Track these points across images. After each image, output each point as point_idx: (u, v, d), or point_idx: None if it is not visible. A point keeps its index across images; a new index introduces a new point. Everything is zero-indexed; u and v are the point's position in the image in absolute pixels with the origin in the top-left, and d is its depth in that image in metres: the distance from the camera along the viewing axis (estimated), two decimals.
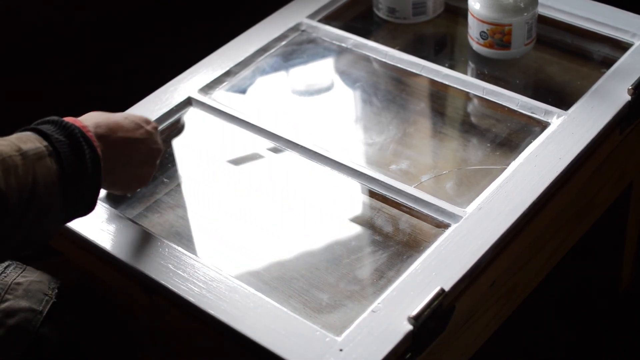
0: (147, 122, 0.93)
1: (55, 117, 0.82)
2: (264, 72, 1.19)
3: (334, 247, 0.95)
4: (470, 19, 1.17)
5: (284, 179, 1.04)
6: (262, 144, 1.08)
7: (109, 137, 0.86)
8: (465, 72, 1.17)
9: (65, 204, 0.79)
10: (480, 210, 0.93)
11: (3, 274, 0.93)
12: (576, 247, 1.14)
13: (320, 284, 0.91)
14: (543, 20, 1.21)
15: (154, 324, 0.97)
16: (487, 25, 1.15)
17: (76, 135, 0.80)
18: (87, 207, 0.83)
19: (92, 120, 0.86)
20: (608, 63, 1.14)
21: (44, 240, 0.80)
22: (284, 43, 1.23)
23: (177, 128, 1.11)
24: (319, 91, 1.19)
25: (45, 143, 0.78)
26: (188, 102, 1.13)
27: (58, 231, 0.82)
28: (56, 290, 0.94)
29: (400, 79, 1.17)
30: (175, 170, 1.06)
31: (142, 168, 0.92)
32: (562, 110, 1.05)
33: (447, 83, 1.14)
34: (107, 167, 0.84)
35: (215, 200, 1.03)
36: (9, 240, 0.74)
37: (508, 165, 1.00)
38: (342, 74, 1.20)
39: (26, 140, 0.77)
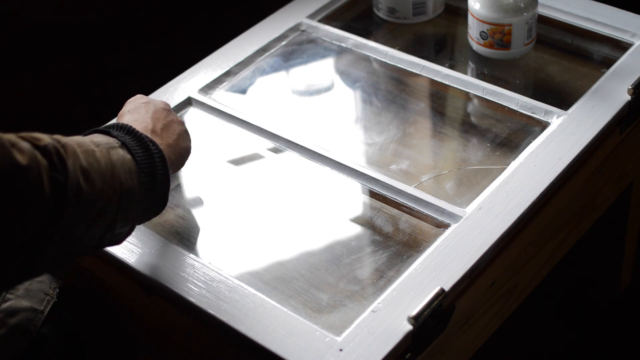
0: (166, 104, 0.96)
1: (112, 123, 0.85)
2: (264, 72, 1.19)
3: (334, 247, 0.95)
4: (470, 19, 1.17)
5: (284, 179, 1.04)
6: (262, 144, 1.08)
7: (155, 133, 0.89)
8: (465, 72, 1.17)
9: (143, 196, 0.80)
10: (480, 210, 0.93)
11: None
12: (576, 247, 1.14)
13: (320, 284, 0.91)
14: (543, 20, 1.21)
15: (154, 324, 0.97)
16: (487, 25, 1.15)
17: (137, 133, 0.83)
18: (161, 202, 0.84)
19: (130, 120, 0.90)
20: (608, 63, 1.14)
21: (127, 233, 0.80)
22: (284, 43, 1.23)
23: None
24: (319, 91, 1.19)
25: (112, 138, 0.80)
26: (188, 102, 1.13)
27: (132, 229, 0.82)
28: (57, 290, 0.94)
29: (400, 79, 1.17)
30: None
31: (184, 143, 0.93)
32: (562, 110, 1.06)
33: (447, 83, 1.14)
34: (169, 162, 0.86)
35: (215, 200, 1.03)
36: (97, 226, 0.74)
37: (508, 165, 1.00)
38: (342, 74, 1.20)
39: (94, 137, 0.79)
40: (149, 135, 0.87)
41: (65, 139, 0.73)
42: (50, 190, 0.68)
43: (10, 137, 0.67)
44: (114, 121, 0.94)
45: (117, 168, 0.77)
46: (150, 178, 0.81)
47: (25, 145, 0.67)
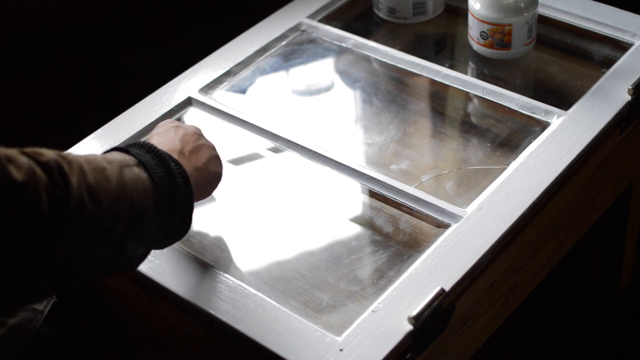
0: (197, 129, 0.93)
1: (133, 142, 0.82)
2: (264, 72, 1.19)
3: (334, 247, 0.95)
4: (470, 19, 1.17)
5: (284, 179, 1.04)
6: (262, 144, 1.08)
7: (183, 155, 0.86)
8: (465, 72, 1.17)
9: (159, 217, 0.77)
10: (480, 210, 0.93)
11: None
12: (576, 247, 1.14)
13: (320, 284, 0.91)
14: (543, 20, 1.21)
15: (154, 324, 0.97)
16: (487, 25, 1.15)
17: (158, 151, 0.80)
18: (182, 224, 0.80)
19: (158, 142, 0.86)
20: (608, 63, 1.14)
21: (142, 255, 0.77)
22: (284, 43, 1.23)
23: None
24: (319, 91, 1.19)
25: (129, 156, 0.77)
26: (188, 102, 1.13)
27: (148, 252, 0.79)
28: None
29: (400, 79, 1.17)
30: None
31: (214, 168, 0.91)
32: (562, 110, 1.06)
33: (447, 83, 1.14)
34: (194, 185, 0.83)
35: (215, 200, 1.03)
36: (105, 246, 0.72)
37: (508, 165, 1.00)
38: (342, 74, 1.20)
39: (110, 154, 0.77)
40: (175, 156, 0.83)
41: (73, 156, 0.71)
42: (49, 207, 0.66)
43: (10, 152, 0.65)
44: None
45: (129, 187, 0.74)
46: (169, 199, 0.78)
47: (24, 161, 0.66)
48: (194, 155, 0.87)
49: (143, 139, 0.87)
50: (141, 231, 0.75)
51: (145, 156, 0.79)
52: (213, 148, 0.92)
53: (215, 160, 0.91)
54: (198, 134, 0.91)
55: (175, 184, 0.79)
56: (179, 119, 1.11)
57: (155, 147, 0.80)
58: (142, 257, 0.78)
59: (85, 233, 0.69)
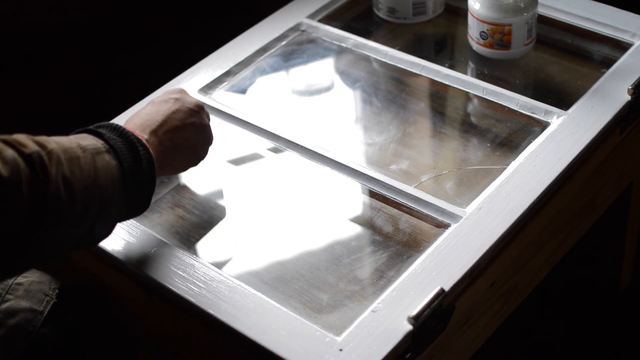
0: (197, 105, 0.95)
1: (104, 122, 0.85)
2: (264, 72, 1.19)
3: (334, 247, 0.95)
4: (470, 19, 1.17)
5: (284, 179, 1.04)
6: (262, 144, 1.08)
7: (156, 133, 0.88)
8: (465, 72, 1.17)
9: (126, 200, 0.81)
10: (480, 210, 0.93)
11: None
12: (576, 247, 1.14)
13: (320, 284, 0.91)
14: (543, 20, 1.21)
15: (154, 324, 0.98)
16: (487, 25, 1.15)
17: (129, 136, 0.83)
18: (144, 205, 0.85)
19: (135, 123, 0.89)
20: (608, 63, 1.14)
21: (106, 234, 0.81)
22: (284, 43, 1.23)
23: None
24: (319, 91, 1.19)
25: (101, 141, 0.80)
26: None
27: (112, 230, 0.83)
28: (57, 291, 0.94)
29: (400, 79, 1.17)
30: None
31: (194, 149, 0.94)
32: (562, 110, 1.06)
33: (447, 83, 1.14)
34: (159, 164, 0.87)
35: (215, 200, 1.03)
36: (75, 230, 0.75)
37: (508, 165, 1.00)
38: (342, 74, 1.20)
39: (83, 138, 0.80)
40: (147, 135, 0.87)
41: (52, 145, 0.73)
42: (28, 201, 0.69)
43: None
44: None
45: (101, 176, 0.77)
46: (136, 184, 0.82)
47: (9, 154, 0.68)
48: (174, 133, 0.90)
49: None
50: (109, 214, 0.79)
51: (116, 140, 0.82)
52: (201, 128, 0.94)
53: (197, 141, 0.93)
54: (193, 111, 0.93)
55: (142, 169, 0.82)
56: None
57: (126, 131, 0.83)
58: (106, 235, 0.82)
59: (58, 221, 0.73)
